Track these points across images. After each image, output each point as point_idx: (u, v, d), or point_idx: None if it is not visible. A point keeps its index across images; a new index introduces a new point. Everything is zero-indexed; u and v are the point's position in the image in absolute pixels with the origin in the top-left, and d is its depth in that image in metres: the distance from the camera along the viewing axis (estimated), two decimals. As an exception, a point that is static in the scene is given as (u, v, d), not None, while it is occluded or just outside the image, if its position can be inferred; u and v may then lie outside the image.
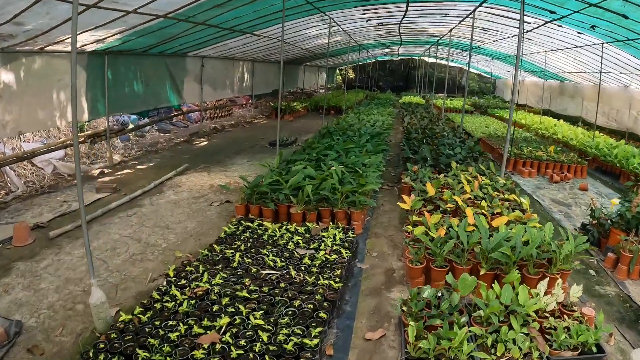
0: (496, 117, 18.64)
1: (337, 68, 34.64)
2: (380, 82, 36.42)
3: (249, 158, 9.82)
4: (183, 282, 3.81)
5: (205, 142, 11.88)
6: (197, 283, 3.75)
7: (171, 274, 4.00)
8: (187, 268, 4.11)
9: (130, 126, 11.80)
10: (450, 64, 32.21)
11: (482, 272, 3.88)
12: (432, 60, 27.54)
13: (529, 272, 3.94)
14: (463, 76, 35.88)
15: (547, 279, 3.61)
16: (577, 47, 11.75)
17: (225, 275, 3.90)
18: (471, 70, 31.87)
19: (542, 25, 10.14)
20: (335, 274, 3.95)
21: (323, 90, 33.12)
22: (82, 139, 9.57)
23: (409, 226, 4.65)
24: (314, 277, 3.88)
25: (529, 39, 12.65)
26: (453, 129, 12.04)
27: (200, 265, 4.11)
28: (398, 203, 5.59)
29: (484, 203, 5.18)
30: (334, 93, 27.63)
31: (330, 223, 5.18)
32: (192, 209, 6.39)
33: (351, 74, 36.70)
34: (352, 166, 6.35)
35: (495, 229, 4.45)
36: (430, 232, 4.26)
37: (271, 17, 9.50)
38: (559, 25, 9.99)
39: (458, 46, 18.68)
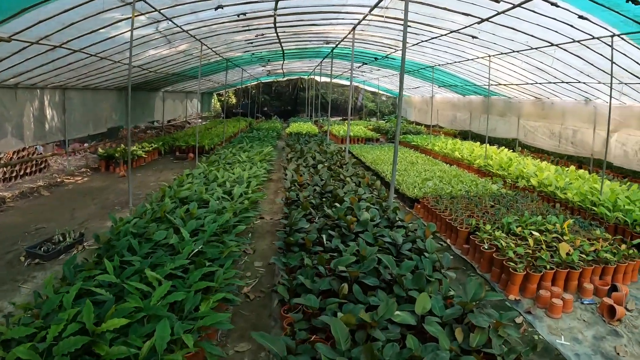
0: (412, 147, 14.27)
1: (215, 93, 28.73)
2: (266, 107, 31.01)
3: None
4: None
5: None
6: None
7: None
8: None
9: None
10: (344, 82, 28.18)
11: None
12: (325, 79, 23.01)
13: None
14: (359, 95, 32.14)
15: None
16: (553, 45, 7.48)
17: None
18: (366, 87, 28.07)
19: (525, 2, 5.54)
20: None
21: (200, 120, 27.02)
22: None
23: None
24: None
25: (473, 37, 8.21)
26: (371, 188, 6.90)
27: None
28: None
29: None
30: (208, 124, 21.73)
31: None
32: None
33: (233, 100, 31.00)
34: None
35: None
36: None
37: None
38: (552, 4, 5.50)
39: (361, 57, 14.08)
